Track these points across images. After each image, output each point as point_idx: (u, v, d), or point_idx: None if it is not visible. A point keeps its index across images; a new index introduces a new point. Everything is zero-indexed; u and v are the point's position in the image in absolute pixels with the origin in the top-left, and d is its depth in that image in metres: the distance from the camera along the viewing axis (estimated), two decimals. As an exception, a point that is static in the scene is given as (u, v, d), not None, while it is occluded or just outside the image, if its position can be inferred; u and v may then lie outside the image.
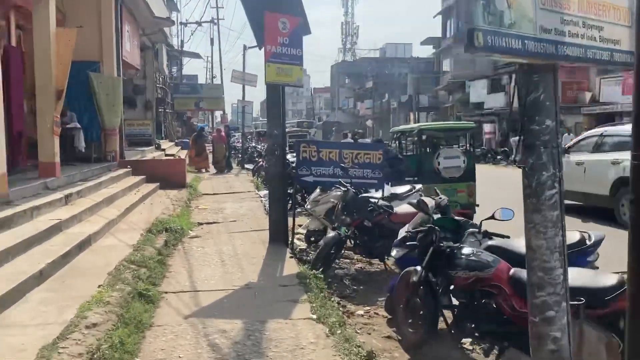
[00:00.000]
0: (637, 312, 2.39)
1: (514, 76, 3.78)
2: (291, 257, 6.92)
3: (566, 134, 22.79)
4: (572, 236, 4.27)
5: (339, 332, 4.39)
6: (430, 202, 5.55)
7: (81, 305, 4.40)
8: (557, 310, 2.67)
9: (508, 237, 4.18)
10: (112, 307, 4.45)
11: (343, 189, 6.97)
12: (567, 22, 2.58)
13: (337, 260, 7.03)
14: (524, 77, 2.59)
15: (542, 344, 2.73)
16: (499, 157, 27.24)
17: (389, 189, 8.15)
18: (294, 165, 10.58)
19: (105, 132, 12.73)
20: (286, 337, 4.30)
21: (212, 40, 43.70)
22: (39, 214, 6.84)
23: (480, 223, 4.19)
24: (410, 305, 4.48)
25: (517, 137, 2.65)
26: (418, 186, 8.46)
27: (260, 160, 18.34)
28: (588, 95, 27.85)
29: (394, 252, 5.31)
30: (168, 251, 7.09)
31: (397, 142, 12.00)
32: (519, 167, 2.60)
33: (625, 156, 9.17)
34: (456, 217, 4.42)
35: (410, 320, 4.52)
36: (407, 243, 4.66)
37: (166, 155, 18.79)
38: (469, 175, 9.96)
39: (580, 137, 12.32)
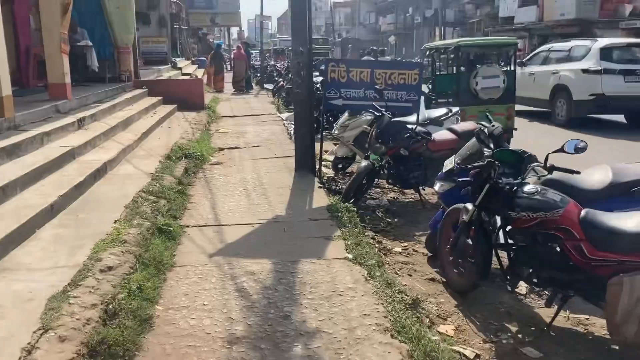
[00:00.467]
0: None
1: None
2: (320, 187, 6.45)
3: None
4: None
5: (378, 274, 3.97)
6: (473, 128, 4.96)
7: (96, 244, 3.99)
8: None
9: (579, 172, 3.58)
10: (130, 247, 4.04)
11: (377, 113, 6.33)
12: None
13: (368, 191, 6.55)
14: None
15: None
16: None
17: (424, 113, 7.52)
18: (318, 87, 9.90)
19: (119, 50, 12.03)
20: (321, 280, 3.88)
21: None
22: (50, 140, 6.37)
23: (547, 157, 3.58)
24: (459, 245, 3.99)
25: None
26: (455, 109, 7.82)
27: (280, 80, 17.55)
28: (629, 8, 25.65)
29: (437, 186, 4.77)
30: (188, 180, 6.65)
31: (430, 59, 11.12)
32: None
33: (562, 67, 12.16)
34: (518, 150, 3.81)
35: (458, 262, 4.06)
36: (458, 179, 4.09)
37: (183, 74, 18.09)
38: (509, 97, 9.25)
39: (534, 52, 14.38)
